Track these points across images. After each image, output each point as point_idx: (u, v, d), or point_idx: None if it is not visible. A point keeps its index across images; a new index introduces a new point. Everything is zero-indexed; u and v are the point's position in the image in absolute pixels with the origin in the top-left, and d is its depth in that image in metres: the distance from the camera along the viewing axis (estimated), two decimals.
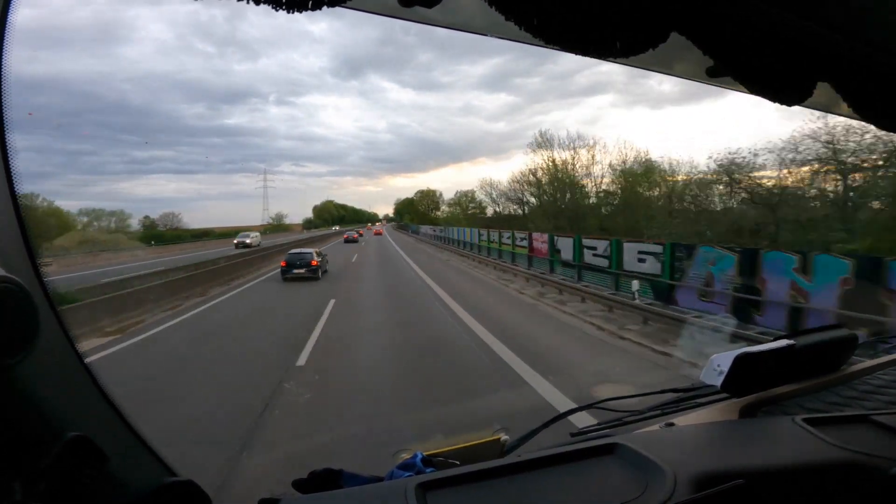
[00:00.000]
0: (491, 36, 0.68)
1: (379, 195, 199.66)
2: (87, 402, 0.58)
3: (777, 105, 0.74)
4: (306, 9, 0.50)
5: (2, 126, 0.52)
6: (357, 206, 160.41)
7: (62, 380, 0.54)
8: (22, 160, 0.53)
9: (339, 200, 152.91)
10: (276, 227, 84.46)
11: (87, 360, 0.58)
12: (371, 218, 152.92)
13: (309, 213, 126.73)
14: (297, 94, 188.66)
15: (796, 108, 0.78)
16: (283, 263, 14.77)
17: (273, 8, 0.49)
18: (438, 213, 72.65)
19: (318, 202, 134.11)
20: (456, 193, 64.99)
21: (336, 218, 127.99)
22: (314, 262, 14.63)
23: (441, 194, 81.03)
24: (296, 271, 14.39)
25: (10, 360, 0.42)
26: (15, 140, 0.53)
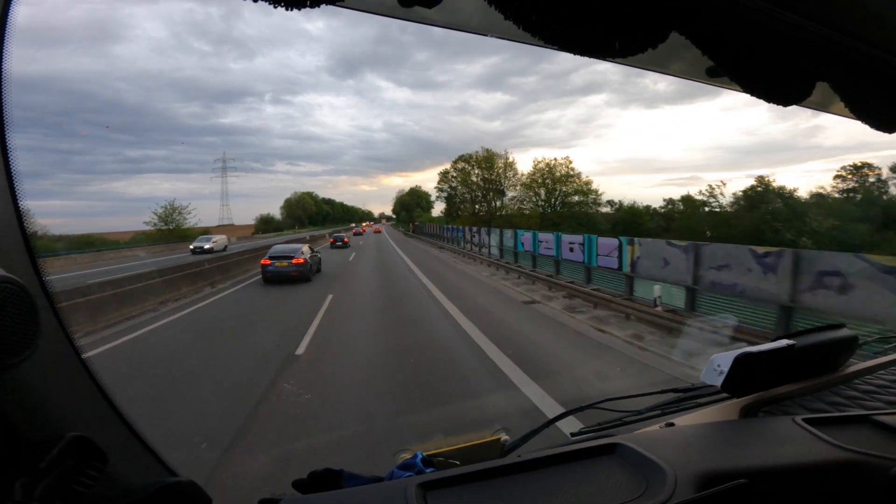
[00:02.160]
0: (490, 36, 0.68)
1: (373, 194, 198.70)
2: (88, 403, 0.58)
3: (769, 104, 0.74)
4: (305, 6, 0.50)
5: (2, 126, 0.52)
6: (349, 202, 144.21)
7: (63, 380, 0.54)
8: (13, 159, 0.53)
9: (338, 199, 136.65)
10: (169, 233, 40.23)
11: (85, 355, 0.58)
12: (365, 216, 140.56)
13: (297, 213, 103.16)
14: (292, 92, 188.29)
15: (790, 106, 0.78)
16: (331, 240, 29.10)
17: (272, 5, 0.49)
18: (505, 202, 40.10)
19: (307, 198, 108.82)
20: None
21: (317, 216, 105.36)
22: (346, 240, 30.11)
23: (512, 159, 43.11)
24: (339, 243, 29.44)
25: (10, 361, 0.42)
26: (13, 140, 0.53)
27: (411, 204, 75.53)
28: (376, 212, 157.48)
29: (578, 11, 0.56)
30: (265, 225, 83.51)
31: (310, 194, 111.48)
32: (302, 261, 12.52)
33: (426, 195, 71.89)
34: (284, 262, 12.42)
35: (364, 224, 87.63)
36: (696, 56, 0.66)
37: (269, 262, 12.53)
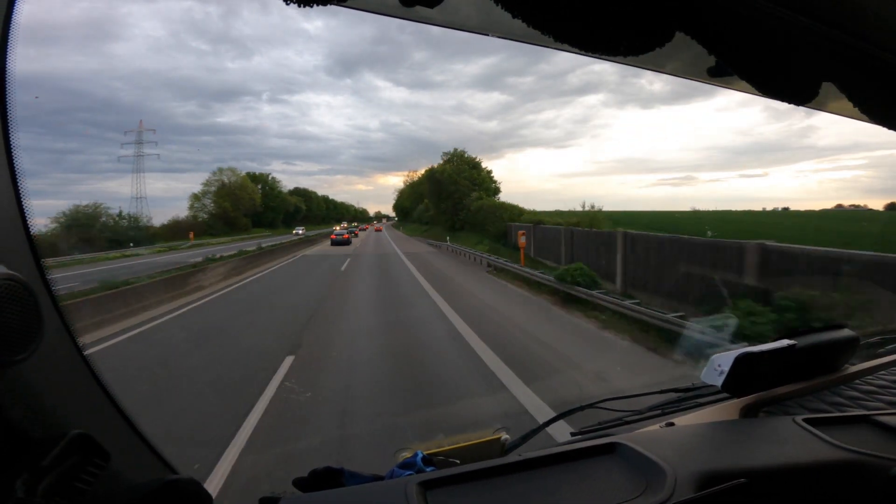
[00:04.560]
0: (492, 35, 0.68)
1: (370, 193, 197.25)
2: (90, 400, 0.58)
3: (764, 104, 0.74)
4: (312, 4, 0.50)
5: (5, 125, 0.52)
6: (344, 201, 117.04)
7: (65, 378, 0.55)
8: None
9: (336, 198, 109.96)
10: None
11: (87, 352, 0.58)
12: (358, 216, 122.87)
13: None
14: (290, 92, 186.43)
15: (783, 106, 0.78)
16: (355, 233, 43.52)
17: (285, 2, 0.49)
18: None
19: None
20: None
21: (270, 214, 66.74)
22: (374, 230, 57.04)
23: None
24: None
25: (13, 359, 0.42)
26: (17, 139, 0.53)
27: (454, 182, 32.56)
28: (372, 210, 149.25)
29: (586, 10, 0.56)
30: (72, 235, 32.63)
31: (256, 177, 66.42)
32: (347, 236, 32.01)
33: (476, 164, 33.94)
34: (341, 236, 31.65)
35: (339, 228, 53.51)
36: (697, 55, 0.66)
37: (335, 236, 31.94)
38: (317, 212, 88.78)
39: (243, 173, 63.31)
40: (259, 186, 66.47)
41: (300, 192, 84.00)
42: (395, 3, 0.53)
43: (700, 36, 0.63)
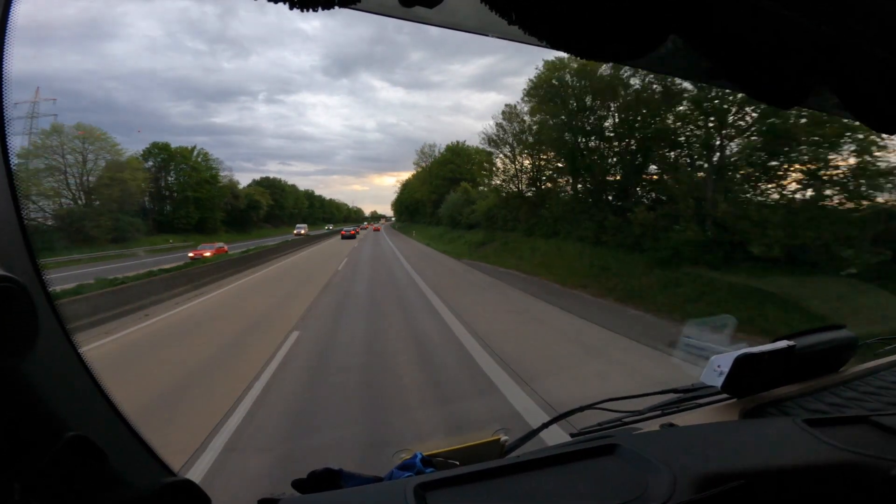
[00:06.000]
0: (491, 35, 0.68)
1: (365, 194, 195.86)
2: (87, 402, 0.58)
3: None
4: (319, 7, 0.49)
5: (1, 126, 0.52)
6: (330, 195, 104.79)
7: (62, 380, 0.54)
8: None
9: (334, 199, 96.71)
10: None
11: (82, 350, 0.58)
12: (352, 215, 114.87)
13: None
14: (286, 92, 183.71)
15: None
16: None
17: (288, 7, 0.48)
18: None
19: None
20: None
21: (205, 212, 38.44)
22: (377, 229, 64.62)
23: None
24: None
25: (10, 361, 0.42)
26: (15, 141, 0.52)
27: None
28: (367, 210, 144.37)
29: (580, 16, 0.56)
30: None
31: (172, 153, 39.29)
32: (353, 232, 41.52)
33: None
34: (349, 232, 41.30)
35: (331, 227, 52.56)
36: (694, 56, 0.66)
37: (344, 232, 40.95)
38: (292, 210, 65.25)
39: (118, 144, 32.40)
40: (172, 166, 39.18)
41: (267, 183, 60.40)
42: (394, 4, 0.53)
43: (693, 40, 0.63)
